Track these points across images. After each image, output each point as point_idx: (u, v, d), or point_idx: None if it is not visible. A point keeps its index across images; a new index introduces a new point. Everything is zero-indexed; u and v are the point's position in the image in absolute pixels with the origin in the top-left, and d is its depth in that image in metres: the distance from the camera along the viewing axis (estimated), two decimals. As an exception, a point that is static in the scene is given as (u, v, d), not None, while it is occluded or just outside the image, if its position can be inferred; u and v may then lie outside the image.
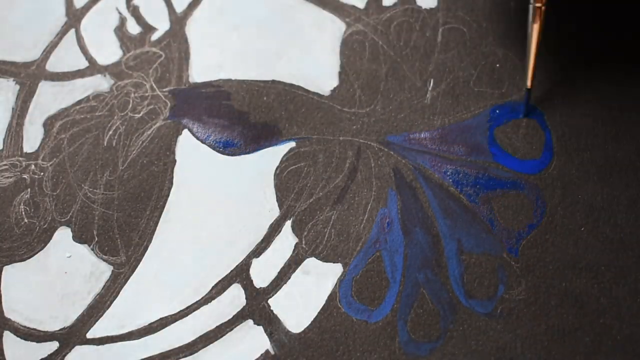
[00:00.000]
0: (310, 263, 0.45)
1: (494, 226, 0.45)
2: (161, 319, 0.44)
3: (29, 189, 0.48)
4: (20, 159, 0.49)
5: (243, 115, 0.49)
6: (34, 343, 0.44)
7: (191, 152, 0.49)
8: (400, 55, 0.51)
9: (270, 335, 0.44)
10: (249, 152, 0.48)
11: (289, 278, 0.45)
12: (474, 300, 0.44)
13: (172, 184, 0.48)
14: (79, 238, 0.47)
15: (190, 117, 0.49)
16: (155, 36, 0.53)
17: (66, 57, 0.52)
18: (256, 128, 0.49)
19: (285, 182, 0.47)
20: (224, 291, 0.45)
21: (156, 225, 0.47)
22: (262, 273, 0.45)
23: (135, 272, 0.46)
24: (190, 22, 0.53)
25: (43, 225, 0.47)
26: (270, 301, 0.45)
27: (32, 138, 0.50)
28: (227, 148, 0.49)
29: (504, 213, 0.46)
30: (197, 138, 0.49)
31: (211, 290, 0.45)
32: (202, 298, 0.45)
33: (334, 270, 0.45)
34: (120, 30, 0.53)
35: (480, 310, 0.43)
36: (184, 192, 0.48)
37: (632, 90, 0.48)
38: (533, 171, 0.47)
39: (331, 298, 0.44)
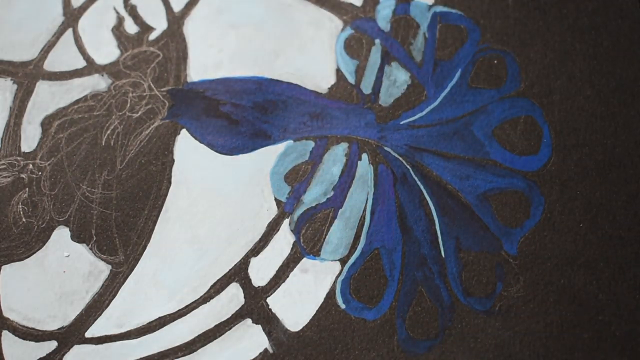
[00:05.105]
0: (309, 261, 0.45)
1: (492, 224, 0.45)
2: (160, 318, 0.45)
3: (27, 189, 0.48)
4: (18, 158, 0.49)
5: (241, 115, 0.49)
6: (33, 342, 0.44)
7: (189, 151, 0.49)
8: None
9: (268, 333, 0.44)
10: (246, 151, 0.48)
11: (287, 276, 0.45)
12: (472, 298, 0.44)
13: (170, 183, 0.48)
14: (77, 237, 0.47)
15: (189, 116, 0.49)
16: (152, 36, 0.52)
17: (64, 57, 0.52)
18: (254, 127, 0.49)
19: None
20: (222, 290, 0.45)
21: (154, 225, 0.47)
22: (260, 272, 0.45)
23: (133, 272, 0.46)
24: (187, 21, 0.53)
25: (41, 225, 0.47)
26: (268, 300, 0.45)
27: (30, 137, 0.50)
28: (225, 147, 0.49)
29: (502, 210, 0.46)
30: (195, 138, 0.49)
31: (210, 289, 0.45)
32: (200, 297, 0.45)
33: (332, 269, 0.45)
34: (118, 29, 0.53)
35: (478, 308, 0.43)
36: (182, 192, 0.48)
37: (631, 86, 0.48)
38: (531, 168, 0.46)
39: (329, 296, 0.44)
